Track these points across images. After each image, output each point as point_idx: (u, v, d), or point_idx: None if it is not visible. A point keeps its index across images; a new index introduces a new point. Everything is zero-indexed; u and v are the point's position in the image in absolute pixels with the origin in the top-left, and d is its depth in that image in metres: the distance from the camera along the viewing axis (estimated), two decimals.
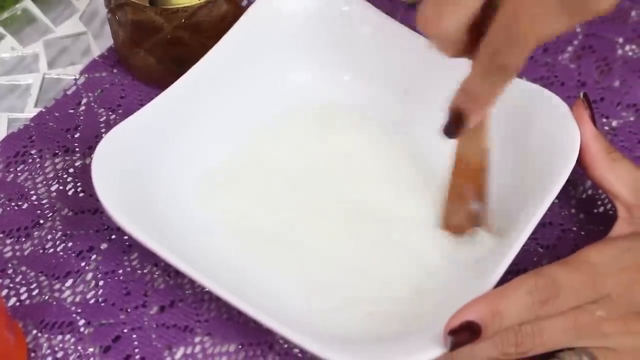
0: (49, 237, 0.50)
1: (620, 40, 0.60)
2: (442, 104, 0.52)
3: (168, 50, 0.55)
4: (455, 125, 0.43)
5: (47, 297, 0.48)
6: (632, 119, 0.56)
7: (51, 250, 0.50)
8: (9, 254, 0.50)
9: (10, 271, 0.49)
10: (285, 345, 0.46)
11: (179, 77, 0.50)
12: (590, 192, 0.52)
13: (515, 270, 0.49)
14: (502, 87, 0.40)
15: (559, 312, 0.41)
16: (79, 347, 0.46)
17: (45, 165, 0.53)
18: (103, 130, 0.55)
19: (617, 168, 0.47)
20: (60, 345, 0.47)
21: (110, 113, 0.56)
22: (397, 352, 0.41)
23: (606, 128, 0.55)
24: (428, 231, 0.49)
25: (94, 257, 0.50)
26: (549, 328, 0.41)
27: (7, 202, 0.52)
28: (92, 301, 0.48)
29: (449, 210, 0.48)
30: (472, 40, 0.40)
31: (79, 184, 0.53)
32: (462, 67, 0.52)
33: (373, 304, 0.46)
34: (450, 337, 0.40)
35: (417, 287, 0.47)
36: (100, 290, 0.48)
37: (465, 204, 0.48)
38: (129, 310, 0.48)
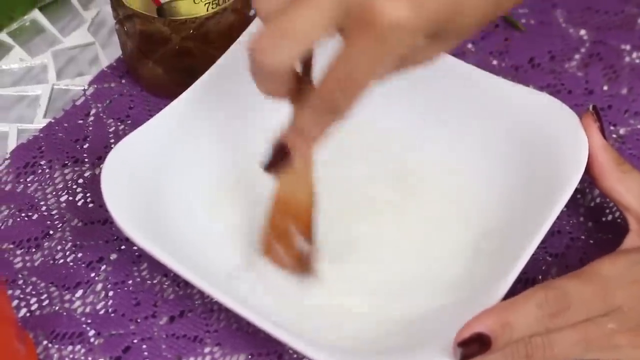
0: (59, 247, 0.51)
1: (628, 47, 0.60)
2: (442, 109, 0.52)
3: (176, 61, 0.55)
4: (279, 160, 0.42)
5: (57, 308, 0.48)
6: (639, 126, 0.56)
7: (61, 260, 0.50)
8: (20, 264, 0.50)
9: (20, 282, 0.49)
10: (295, 356, 0.46)
11: (188, 87, 0.51)
12: (598, 200, 0.52)
13: (524, 280, 0.49)
14: (331, 125, 0.40)
15: (569, 324, 0.41)
16: (89, 358, 0.47)
17: (55, 175, 0.54)
18: (112, 140, 0.55)
19: (627, 180, 0.47)
20: (71, 355, 0.47)
21: (119, 124, 0.56)
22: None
23: (614, 136, 0.55)
24: (436, 243, 0.49)
25: (103, 267, 0.50)
26: (560, 340, 0.41)
27: (17, 212, 0.52)
28: (102, 312, 0.48)
29: (274, 249, 0.47)
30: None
31: (88, 195, 0.53)
32: (467, 74, 0.52)
33: (382, 315, 0.46)
34: (460, 348, 0.40)
35: (425, 298, 0.47)
36: (110, 301, 0.48)
37: (291, 243, 0.46)
38: (138, 320, 0.48)
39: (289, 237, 0.46)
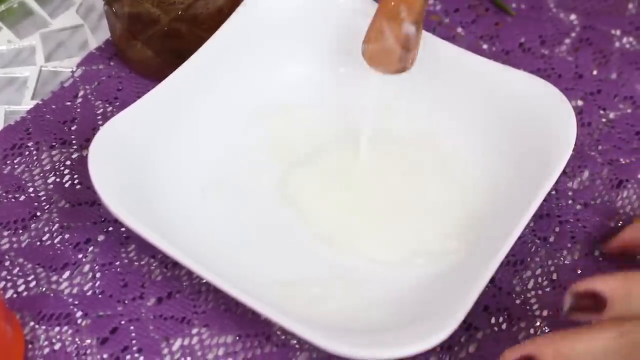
0: (46, 229, 0.50)
1: (618, 32, 0.60)
2: (434, 92, 0.52)
3: (165, 42, 0.55)
4: None
5: (44, 289, 0.48)
6: (629, 111, 0.56)
7: (48, 242, 0.50)
8: (6, 246, 0.50)
9: (7, 263, 0.49)
10: (283, 337, 0.46)
11: (176, 69, 0.50)
12: (587, 183, 0.52)
13: (512, 262, 0.49)
14: None
15: None
16: (77, 339, 0.46)
17: (42, 157, 0.53)
18: (100, 122, 0.55)
19: None
20: (58, 336, 0.47)
21: (107, 105, 0.56)
22: (404, 340, 0.41)
23: (603, 120, 0.55)
24: (432, 217, 0.49)
25: (91, 249, 0.50)
26: None
27: (3, 194, 0.52)
28: (89, 293, 0.48)
29: (379, 35, 0.46)
30: None
31: (76, 176, 0.52)
32: (457, 58, 0.52)
33: (376, 293, 0.46)
34: (570, 298, 0.38)
35: (410, 278, 0.47)
36: (98, 282, 0.48)
37: (399, 25, 0.46)
38: (126, 301, 0.48)
39: (398, 18, 0.46)
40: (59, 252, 0.49)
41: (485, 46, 0.59)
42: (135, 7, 0.53)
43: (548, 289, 0.48)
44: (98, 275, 0.49)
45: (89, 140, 0.54)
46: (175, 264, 0.49)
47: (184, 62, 0.51)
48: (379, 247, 0.48)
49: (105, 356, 0.46)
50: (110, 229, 0.50)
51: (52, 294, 0.48)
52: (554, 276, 0.49)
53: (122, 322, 0.47)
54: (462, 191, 0.50)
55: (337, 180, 0.50)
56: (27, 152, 0.53)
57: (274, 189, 0.50)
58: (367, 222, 0.49)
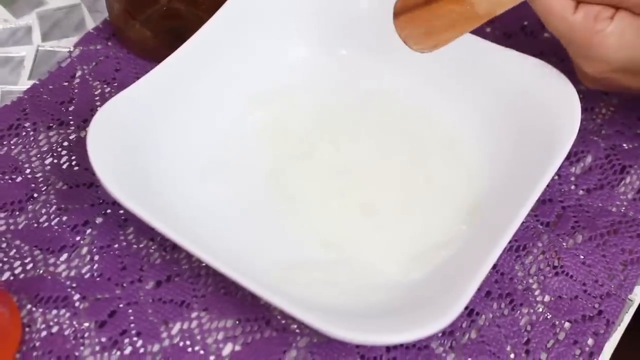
0: (44, 210, 0.50)
1: None
2: (437, 75, 0.52)
3: (164, 22, 0.54)
4: None
5: (41, 272, 0.48)
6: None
7: (46, 224, 0.49)
8: (3, 227, 0.49)
9: (4, 245, 0.48)
10: (283, 321, 0.46)
11: (175, 50, 0.50)
12: (590, 168, 0.52)
13: (515, 247, 0.49)
14: None
15: None
16: (74, 322, 0.46)
17: (40, 138, 0.53)
18: (98, 103, 0.54)
19: None
20: (55, 319, 0.46)
21: (105, 86, 0.55)
22: (406, 326, 0.40)
23: (607, 105, 0.55)
24: (431, 202, 0.48)
25: (89, 231, 0.49)
26: None
27: (0, 175, 0.51)
28: (87, 276, 0.47)
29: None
30: None
31: (73, 158, 0.52)
32: (460, 40, 0.52)
33: (377, 278, 0.46)
34: None
35: (413, 265, 0.46)
36: (96, 265, 0.48)
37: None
38: (124, 285, 0.47)
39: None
40: (56, 234, 0.49)
41: (487, 29, 0.59)
42: None
43: (550, 275, 0.48)
44: (96, 258, 0.48)
45: (86, 121, 0.53)
46: (175, 247, 0.48)
47: (182, 42, 0.50)
48: (383, 238, 0.47)
49: (103, 340, 0.45)
50: (109, 211, 0.50)
51: (49, 277, 0.47)
52: (556, 262, 0.48)
53: (121, 306, 0.46)
54: (466, 176, 0.49)
55: (336, 168, 0.50)
56: (24, 133, 0.53)
57: (276, 173, 0.50)
58: (373, 210, 0.49)
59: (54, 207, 0.50)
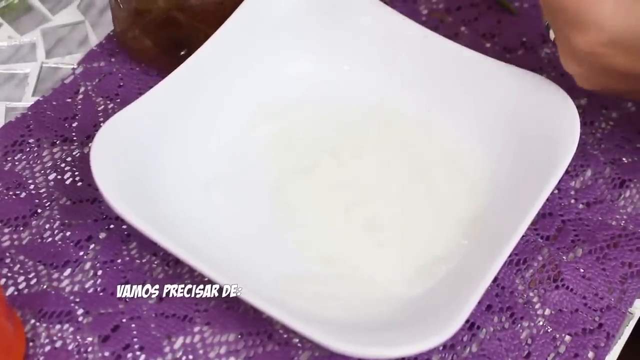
0: (47, 226, 0.50)
1: None
2: (438, 90, 0.52)
3: (163, 31, 0.54)
4: None
5: (45, 287, 0.48)
6: (632, 109, 0.56)
7: (49, 239, 0.50)
8: (7, 243, 0.49)
9: (8, 260, 0.49)
10: (285, 335, 0.46)
11: (177, 60, 0.50)
12: (590, 183, 0.52)
13: (515, 261, 0.49)
14: None
15: None
16: (78, 337, 0.46)
17: (43, 154, 0.53)
18: (101, 119, 0.55)
19: None
20: (59, 334, 0.46)
21: (109, 102, 0.55)
22: (407, 339, 0.41)
23: (606, 119, 0.55)
24: (432, 216, 0.49)
25: (92, 246, 0.49)
26: None
27: (4, 191, 0.51)
28: (90, 290, 0.48)
29: None
30: None
31: (77, 173, 0.52)
32: (460, 56, 0.52)
33: (379, 292, 0.46)
34: None
35: (414, 278, 0.46)
36: (99, 280, 0.48)
37: None
38: (127, 299, 0.47)
39: None
40: (60, 249, 0.49)
41: (487, 44, 0.59)
42: None
43: (550, 288, 0.48)
44: (99, 272, 0.48)
45: (90, 137, 0.54)
46: (177, 262, 0.48)
47: (181, 51, 0.50)
48: (385, 253, 0.48)
49: (106, 354, 0.45)
50: (112, 226, 0.50)
51: (53, 292, 0.48)
52: (557, 275, 0.49)
53: (124, 320, 0.47)
54: (467, 190, 0.50)
55: (339, 182, 0.50)
56: (27, 149, 0.53)
57: (278, 187, 0.50)
58: (375, 225, 0.49)
59: (58, 222, 0.50)
